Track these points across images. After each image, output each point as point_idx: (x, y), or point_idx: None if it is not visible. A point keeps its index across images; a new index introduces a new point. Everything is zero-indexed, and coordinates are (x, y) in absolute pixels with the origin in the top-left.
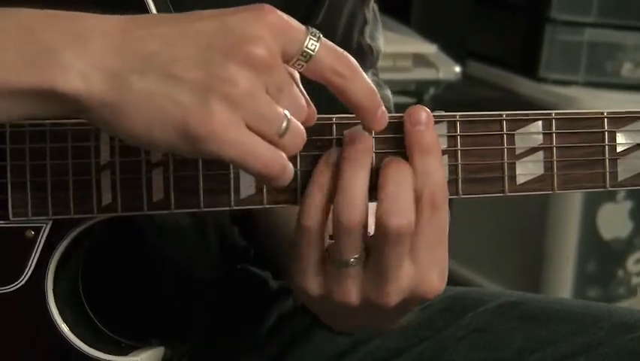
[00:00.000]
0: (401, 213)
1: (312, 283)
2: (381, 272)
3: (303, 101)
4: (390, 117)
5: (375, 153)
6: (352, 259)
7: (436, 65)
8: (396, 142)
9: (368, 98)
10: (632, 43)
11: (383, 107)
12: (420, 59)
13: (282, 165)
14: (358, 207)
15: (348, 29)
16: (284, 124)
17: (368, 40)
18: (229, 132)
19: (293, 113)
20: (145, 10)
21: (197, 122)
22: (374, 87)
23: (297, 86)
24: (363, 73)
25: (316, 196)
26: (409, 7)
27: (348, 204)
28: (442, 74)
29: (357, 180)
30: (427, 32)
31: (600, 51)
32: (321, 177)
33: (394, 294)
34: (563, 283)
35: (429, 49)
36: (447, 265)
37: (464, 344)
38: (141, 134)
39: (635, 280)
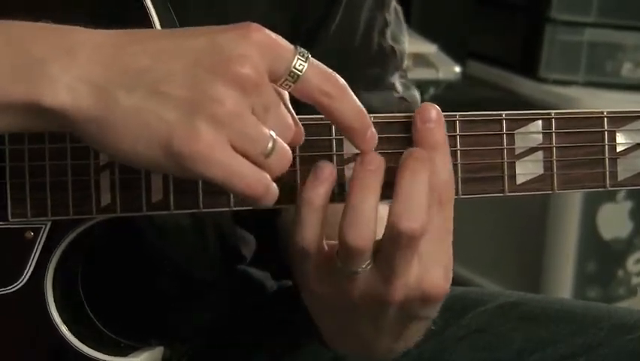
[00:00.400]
0: (414, 216)
1: (316, 283)
2: (390, 271)
3: (291, 121)
4: (399, 117)
5: (382, 153)
6: (360, 269)
7: (436, 64)
8: (405, 141)
9: (357, 118)
10: (632, 43)
11: (372, 129)
12: (420, 59)
13: (265, 185)
14: (367, 230)
15: (367, 30)
16: (269, 145)
17: (390, 42)
18: (214, 153)
19: (279, 134)
20: (148, 19)
21: (182, 140)
22: (363, 108)
23: (285, 105)
24: (352, 94)
25: (311, 218)
26: (409, 7)
27: (357, 227)
28: (441, 74)
29: (366, 204)
30: (427, 32)
31: (600, 51)
32: (315, 197)
33: (400, 289)
34: (562, 283)
35: (429, 49)
36: (451, 264)
37: (464, 344)
38: (127, 151)
39: (635, 281)
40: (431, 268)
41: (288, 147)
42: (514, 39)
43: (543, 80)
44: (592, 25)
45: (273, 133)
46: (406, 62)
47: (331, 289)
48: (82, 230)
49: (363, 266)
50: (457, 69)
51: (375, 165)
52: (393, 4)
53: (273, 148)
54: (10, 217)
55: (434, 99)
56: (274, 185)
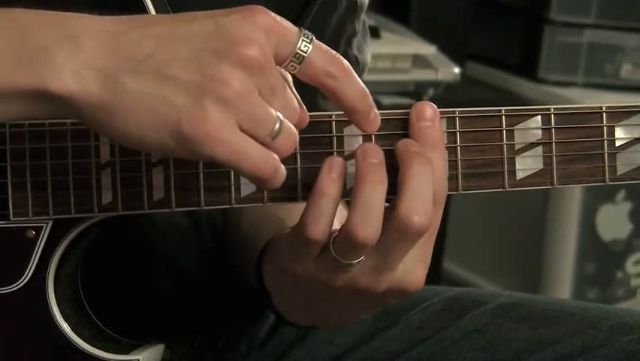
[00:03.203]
0: (425, 211)
1: (303, 270)
2: (384, 264)
3: (296, 103)
4: (396, 113)
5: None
6: (355, 262)
7: (435, 66)
8: (400, 139)
9: (361, 100)
10: (631, 44)
11: (376, 110)
12: (419, 60)
13: (274, 166)
14: (376, 224)
15: (335, 38)
16: (276, 126)
17: (355, 52)
18: (222, 134)
19: (285, 115)
20: (143, 8)
21: (191, 123)
22: (366, 89)
23: (290, 88)
24: (356, 75)
25: (324, 208)
26: (408, 8)
27: (366, 222)
28: (441, 75)
29: (376, 197)
30: (426, 33)
31: (599, 52)
32: (329, 189)
33: (385, 282)
34: (562, 284)
35: (428, 50)
36: (429, 261)
37: (463, 345)
38: (134, 136)
39: (634, 282)
40: (415, 265)
41: (294, 128)
42: (513, 40)
43: (542, 82)
44: (591, 26)
45: (279, 114)
46: (407, 64)
47: (316, 277)
48: (83, 229)
49: (360, 259)
50: (457, 70)
51: (379, 158)
52: (363, 14)
53: (279, 129)
54: (11, 216)
55: (433, 100)
56: (282, 167)
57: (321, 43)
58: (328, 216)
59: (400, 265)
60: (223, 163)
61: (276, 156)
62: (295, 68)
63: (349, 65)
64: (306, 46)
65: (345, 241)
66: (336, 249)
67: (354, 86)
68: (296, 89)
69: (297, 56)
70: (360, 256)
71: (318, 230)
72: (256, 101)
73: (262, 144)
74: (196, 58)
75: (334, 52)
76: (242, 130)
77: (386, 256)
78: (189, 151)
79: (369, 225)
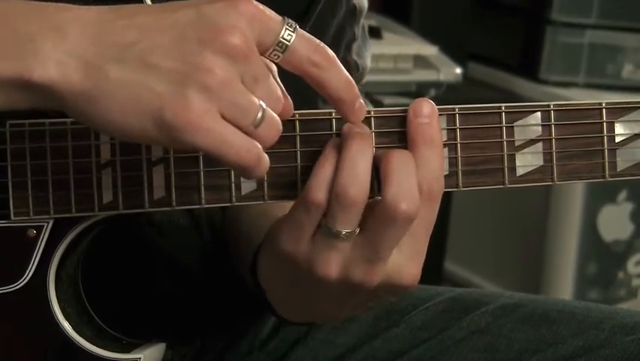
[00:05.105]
0: (411, 198)
1: (298, 252)
2: (373, 252)
3: (280, 93)
4: (396, 111)
5: (377, 147)
6: (345, 232)
7: (437, 66)
8: (399, 136)
9: (345, 89)
10: (632, 44)
11: (361, 100)
12: (420, 61)
13: (257, 155)
14: (364, 184)
15: (334, 43)
16: (259, 114)
17: (354, 57)
18: (204, 121)
19: (269, 105)
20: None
21: (173, 111)
22: (351, 78)
23: (274, 77)
24: (340, 64)
25: (328, 173)
26: (409, 9)
27: (354, 181)
28: (442, 76)
29: (363, 158)
30: (428, 34)
31: (601, 53)
32: (336, 155)
33: (378, 275)
34: (563, 284)
35: (429, 50)
36: (424, 257)
37: (464, 345)
38: (117, 123)
39: (635, 282)
40: (409, 260)
41: (277, 117)
42: (514, 41)
43: (544, 82)
44: (592, 26)
45: (262, 103)
46: (408, 64)
47: (310, 261)
48: (83, 228)
49: (349, 230)
50: (458, 71)
51: (368, 131)
52: (362, 19)
53: (262, 118)
54: (12, 216)
55: (435, 100)
56: (265, 156)
57: (305, 32)
58: (330, 182)
59: (391, 256)
60: (205, 151)
61: (259, 145)
62: (279, 56)
63: (334, 54)
64: (289, 34)
65: (335, 203)
66: (327, 216)
67: (338, 75)
68: (296, 92)
69: (281, 44)
70: (350, 222)
71: (321, 193)
72: (239, 90)
73: (245, 132)
74: (179, 46)
75: (318, 41)
76: (224, 118)
77: (376, 246)
78: (172, 139)
79: (358, 183)
